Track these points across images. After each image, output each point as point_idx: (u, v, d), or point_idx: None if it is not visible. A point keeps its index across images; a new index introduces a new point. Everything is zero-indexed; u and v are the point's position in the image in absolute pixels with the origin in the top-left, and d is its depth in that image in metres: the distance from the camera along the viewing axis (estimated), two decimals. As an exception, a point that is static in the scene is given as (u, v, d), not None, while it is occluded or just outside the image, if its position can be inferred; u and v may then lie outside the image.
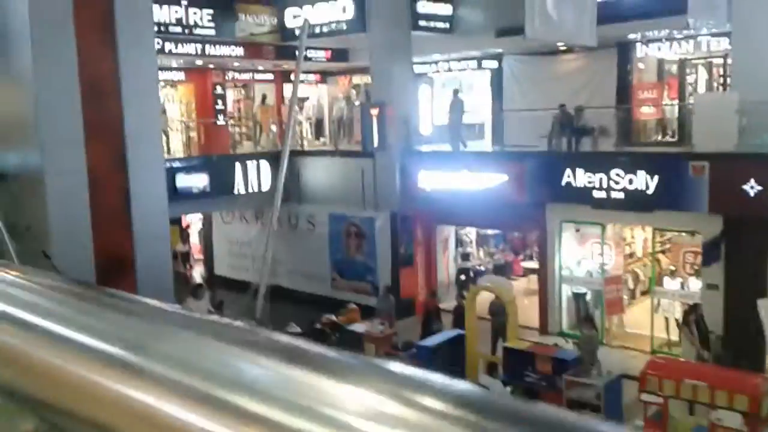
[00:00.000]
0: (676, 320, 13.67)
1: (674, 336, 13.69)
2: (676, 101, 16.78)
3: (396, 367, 0.75)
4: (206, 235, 22.63)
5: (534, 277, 16.41)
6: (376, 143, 17.01)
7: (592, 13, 12.55)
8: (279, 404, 0.70)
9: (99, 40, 13.62)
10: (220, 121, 21.51)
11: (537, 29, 10.30)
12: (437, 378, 0.74)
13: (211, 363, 0.81)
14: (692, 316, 11.71)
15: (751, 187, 11.57)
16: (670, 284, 13.90)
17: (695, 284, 13.36)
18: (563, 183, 13.94)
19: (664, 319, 13.85)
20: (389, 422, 0.63)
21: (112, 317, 1.07)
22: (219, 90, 21.85)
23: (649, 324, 13.86)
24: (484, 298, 13.75)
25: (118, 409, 0.85)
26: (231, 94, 23.12)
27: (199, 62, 20.12)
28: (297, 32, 17.92)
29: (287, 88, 22.36)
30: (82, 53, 13.29)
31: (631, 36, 16.53)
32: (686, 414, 9.20)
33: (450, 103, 17.31)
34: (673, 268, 14.41)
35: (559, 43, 15.98)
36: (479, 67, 20.75)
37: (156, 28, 15.56)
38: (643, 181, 12.89)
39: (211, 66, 20.99)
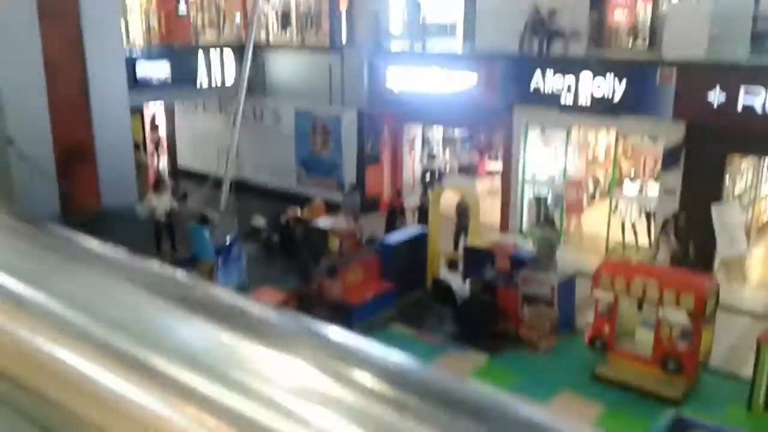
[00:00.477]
0: (633, 224, 14.16)
1: (629, 238, 14.22)
2: (650, 7, 16.59)
3: (337, 335, 0.71)
4: (169, 126, 22.16)
5: (498, 178, 16.64)
6: (344, 39, 16.58)
7: None
8: (196, 367, 0.64)
9: None
10: (182, 8, 20.54)
11: None
12: (376, 351, 0.70)
13: (122, 312, 0.73)
14: (671, 224, 11.94)
15: (716, 96, 11.71)
16: (629, 188, 14.25)
17: (653, 188, 13.72)
18: (532, 86, 13.90)
19: (620, 221, 14.29)
20: (318, 399, 0.61)
21: (22, 245, 0.94)
22: (180, -25, 20.73)
23: (606, 226, 14.31)
24: (447, 198, 13.95)
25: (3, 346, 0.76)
26: (193, -20, 21.97)
27: (158, -57, 18.99)
28: None
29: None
30: None
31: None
32: (634, 309, 9.68)
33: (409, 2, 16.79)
34: (633, 172, 14.74)
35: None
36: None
37: None
38: (611, 85, 12.93)
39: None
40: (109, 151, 14.51)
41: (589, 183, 16.10)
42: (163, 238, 11.81)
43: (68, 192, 13.33)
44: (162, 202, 12.01)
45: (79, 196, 14.00)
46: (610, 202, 14.46)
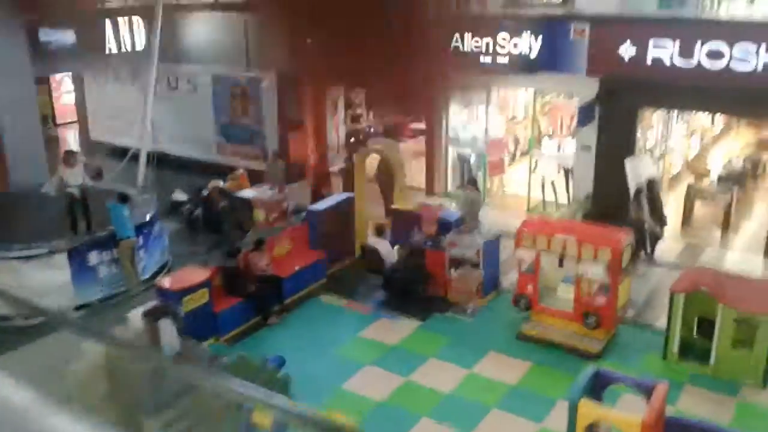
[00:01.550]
0: (552, 182, 14.51)
1: (549, 196, 14.58)
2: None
3: None
4: (78, 96, 21.03)
5: (423, 139, 16.65)
6: (259, -3, 15.98)
7: None
8: None
9: None
10: (83, -32, 19.27)
11: None
12: None
13: None
14: (644, 193, 12.15)
15: (626, 50, 11.98)
16: (548, 146, 14.55)
17: (571, 146, 14.05)
18: (451, 47, 13.82)
19: (540, 179, 14.62)
20: None
21: None
22: (78, -69, 19.38)
23: (527, 185, 14.62)
24: (374, 161, 13.90)
25: None
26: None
27: None
28: None
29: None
30: None
31: None
32: (556, 266, 9.99)
33: None
34: (551, 130, 15.03)
35: None
36: None
37: None
38: (527, 44, 13.02)
39: None
40: (15, 127, 13.71)
41: (510, 142, 16.34)
42: (78, 217, 11.29)
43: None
44: (74, 177, 11.41)
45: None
46: (530, 160, 14.75)
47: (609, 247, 9.03)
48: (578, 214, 12.89)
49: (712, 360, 8.59)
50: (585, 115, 12.98)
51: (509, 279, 10.90)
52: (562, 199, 14.43)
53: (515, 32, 13.08)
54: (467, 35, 13.54)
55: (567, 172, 14.30)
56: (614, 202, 12.34)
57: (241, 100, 17.13)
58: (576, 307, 9.41)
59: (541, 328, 9.63)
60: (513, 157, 16.61)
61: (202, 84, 17.63)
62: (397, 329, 9.98)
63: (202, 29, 17.70)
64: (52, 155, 15.90)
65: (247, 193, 14.14)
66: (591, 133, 13.05)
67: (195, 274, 9.73)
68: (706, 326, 8.69)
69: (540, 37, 12.89)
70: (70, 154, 11.77)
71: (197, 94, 17.79)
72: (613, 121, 12.77)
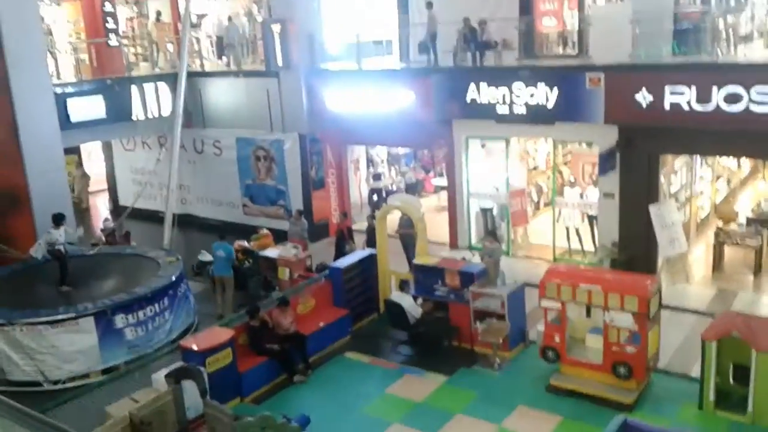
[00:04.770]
0: (576, 230, 14.39)
1: (575, 244, 14.44)
2: (576, 12, 16.97)
3: None
4: (108, 163, 21.62)
5: (445, 194, 16.73)
6: (280, 62, 16.47)
7: None
8: None
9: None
10: (113, 41, 20.13)
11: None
12: None
13: None
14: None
15: (644, 97, 12.01)
16: (571, 195, 14.49)
17: (593, 194, 13.98)
18: (468, 99, 14.03)
19: (565, 228, 14.51)
20: None
21: None
22: (108, 7, 20.31)
23: (551, 234, 14.51)
24: (395, 217, 13.96)
25: None
26: (123, 12, 21.61)
27: (83, -23, 18.58)
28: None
29: (183, 4, 21.08)
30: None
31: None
32: (583, 316, 9.80)
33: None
34: (573, 179, 14.99)
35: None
36: (384, -21, 20.13)
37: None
38: (544, 94, 13.14)
39: (98, -19, 19.42)
40: (46, 197, 14.05)
41: (533, 192, 16.32)
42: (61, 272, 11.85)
43: (4, 252, 12.99)
44: (60, 235, 11.89)
45: (15, 243, 13.50)
46: (553, 209, 14.68)
47: (636, 295, 8.85)
48: (605, 261, 12.72)
49: (750, 408, 8.25)
50: (606, 162, 12.95)
51: (536, 330, 10.70)
52: (588, 247, 14.28)
53: (531, 83, 13.22)
54: (483, 85, 13.72)
55: (591, 220, 14.19)
56: (641, 249, 12.16)
57: (264, 161, 17.45)
58: (606, 358, 9.16)
59: (570, 380, 9.38)
60: (536, 207, 16.56)
61: (226, 147, 18.03)
62: (424, 385, 9.80)
63: (226, 94, 18.22)
64: (80, 222, 16.29)
65: (272, 251, 14.24)
66: (613, 180, 12.99)
67: (219, 334, 9.74)
68: (742, 373, 8.39)
69: (556, 87, 13.00)
70: (58, 214, 12.21)
71: (222, 156, 18.18)
72: (634, 168, 12.71)
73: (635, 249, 12.30)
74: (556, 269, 10.15)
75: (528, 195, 15.63)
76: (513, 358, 10.40)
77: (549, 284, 9.40)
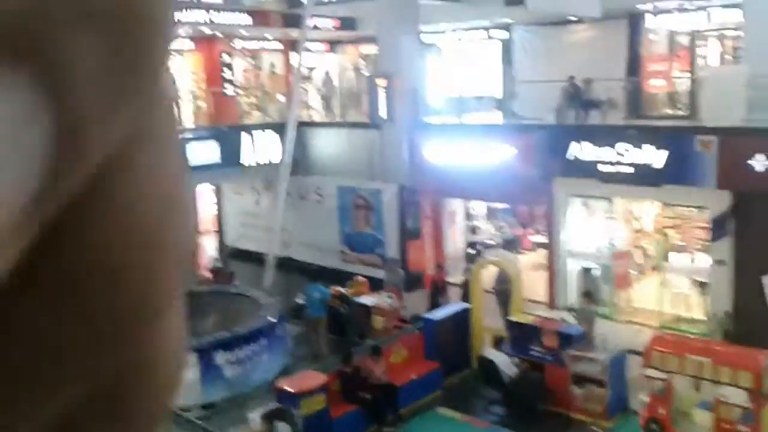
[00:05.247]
0: (685, 298, 13.73)
1: (682, 311, 13.77)
2: (687, 74, 16.60)
3: None
4: (218, 206, 22.75)
5: (542, 251, 16.45)
6: (384, 115, 16.97)
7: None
8: None
9: None
10: (229, 90, 21.44)
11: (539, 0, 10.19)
12: None
13: None
14: None
15: (758, 162, 11.49)
16: (678, 260, 13.90)
17: (703, 260, 13.36)
18: (571, 156, 13.89)
19: (671, 294, 13.88)
20: None
21: None
22: (227, 59, 21.73)
23: (656, 299, 13.92)
24: (491, 272, 13.85)
25: None
26: (239, 64, 23.01)
27: (206, 30, 19.99)
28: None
29: (296, 58, 22.23)
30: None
31: (642, 6, 16.29)
32: (691, 390, 9.29)
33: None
34: (681, 243, 14.40)
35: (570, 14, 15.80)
36: (489, 37, 20.51)
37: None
38: (651, 155, 12.82)
39: (219, 34, 20.85)
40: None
41: (637, 255, 15.73)
42: None
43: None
44: None
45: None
46: (660, 274, 14.10)
47: (750, 370, 8.33)
48: (716, 333, 12.04)
49: None
50: (718, 228, 12.40)
51: (638, 400, 10.21)
52: (697, 315, 13.57)
53: (637, 143, 12.95)
54: (586, 143, 13.56)
55: (701, 288, 13.52)
56: (756, 321, 11.46)
57: (363, 210, 17.84)
58: (715, 436, 8.62)
59: (675, 457, 8.87)
60: (641, 271, 15.92)
61: (328, 194, 18.60)
62: (516, 448, 9.54)
63: (330, 144, 18.90)
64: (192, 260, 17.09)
65: (367, 299, 14.41)
66: (726, 247, 12.39)
67: (313, 378, 9.92)
68: None
69: (663, 149, 12.66)
70: None
71: (324, 203, 18.75)
72: (749, 236, 12.08)
73: (752, 322, 11.59)
74: (662, 338, 9.73)
75: (632, 257, 15.10)
76: (612, 427, 9.96)
77: (654, 353, 9.03)
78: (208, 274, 16.32)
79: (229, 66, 21.81)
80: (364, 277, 15.95)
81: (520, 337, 11.26)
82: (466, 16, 18.98)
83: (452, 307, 12.64)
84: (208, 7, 18.31)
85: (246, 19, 19.51)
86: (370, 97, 17.52)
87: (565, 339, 10.66)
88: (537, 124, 15.12)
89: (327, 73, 22.71)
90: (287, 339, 12.95)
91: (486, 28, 20.25)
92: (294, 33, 20.99)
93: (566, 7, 12.91)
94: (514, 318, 11.72)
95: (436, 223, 17.73)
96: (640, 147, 12.96)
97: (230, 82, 21.65)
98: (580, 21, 17.38)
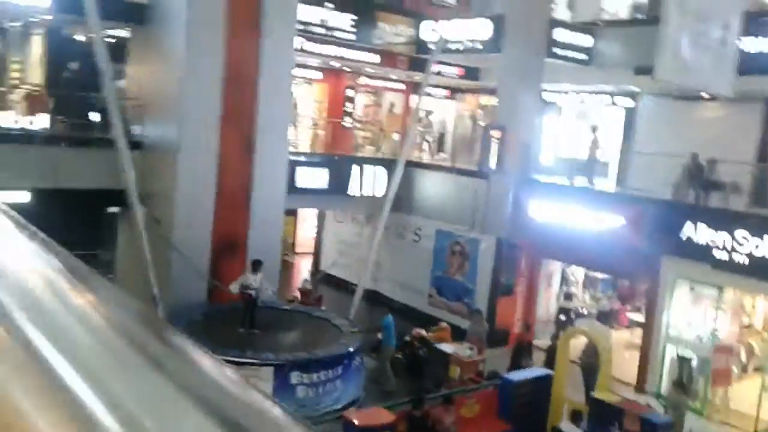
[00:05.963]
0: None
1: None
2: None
3: None
4: (318, 230, 23.35)
5: (638, 331, 15.66)
6: (493, 165, 16.91)
7: (732, 63, 11.89)
8: None
9: (246, 32, 14.50)
10: (347, 122, 22.11)
11: (668, 70, 9.90)
12: None
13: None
14: None
15: None
16: (788, 363, 12.82)
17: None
18: (683, 236, 13.23)
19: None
20: None
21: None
22: (350, 93, 22.48)
23: (756, 403, 12.84)
24: (580, 343, 13.31)
25: None
26: (361, 98, 23.75)
27: (335, 64, 20.81)
28: (431, 46, 18.21)
29: (416, 99, 22.67)
30: (230, 42, 14.21)
31: (780, 92, 15.44)
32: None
33: (591, 140, 16.95)
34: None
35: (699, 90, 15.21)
36: (612, 103, 20.08)
37: (299, 27, 16.30)
38: (773, 248, 12.00)
39: (347, 69, 21.63)
40: (259, 248, 15.42)
41: (742, 351, 14.64)
42: (247, 315, 12.56)
43: (215, 286, 14.26)
44: (255, 281, 12.72)
45: (222, 290, 14.86)
46: (763, 377, 13.03)
47: None
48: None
49: None
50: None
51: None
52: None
53: (758, 232, 12.17)
54: (702, 225, 12.87)
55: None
56: None
57: (458, 257, 17.73)
58: None
59: None
60: (744, 369, 14.78)
61: (425, 236, 18.64)
62: None
63: (435, 186, 19.00)
64: (285, 278, 17.59)
65: (447, 347, 14.22)
66: None
67: (381, 415, 9.83)
68: None
69: (789, 244, 11.82)
70: (256, 261, 13.02)
71: (420, 244, 18.80)
72: None
73: None
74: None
75: (736, 354, 14.07)
76: None
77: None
78: (298, 294, 16.67)
79: (352, 99, 22.54)
80: (449, 324, 15.78)
81: (601, 415, 10.69)
82: (592, 80, 18.71)
83: (534, 371, 12.24)
84: (341, 44, 19.06)
85: (375, 58, 20.15)
86: (482, 146, 17.54)
87: (649, 426, 10.01)
88: (651, 197, 14.54)
89: (444, 118, 22.99)
90: (362, 371, 12.94)
91: (611, 94, 19.84)
92: (417, 76, 21.51)
93: (697, 82, 12.41)
94: (597, 394, 11.16)
95: (530, 282, 17.32)
96: (761, 237, 12.17)
97: (350, 114, 22.35)
98: (711, 98, 16.70)
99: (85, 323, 1.06)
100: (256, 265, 12.93)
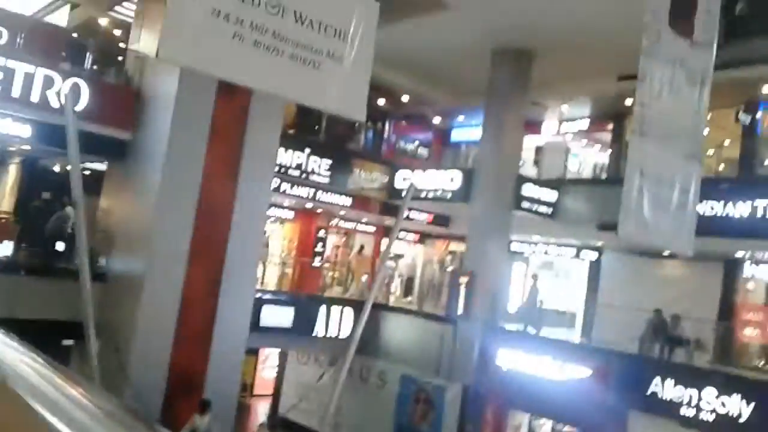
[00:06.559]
0: None
1: None
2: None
3: None
4: (279, 371, 22.60)
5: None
6: (460, 311, 16.92)
7: (691, 225, 12.43)
8: None
9: (224, 171, 14.83)
10: (317, 262, 22.21)
11: (630, 231, 10.29)
12: None
13: None
14: None
15: None
16: None
17: None
18: (649, 391, 13.12)
19: None
20: None
21: None
22: (321, 233, 22.80)
23: None
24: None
25: None
26: (332, 239, 24.04)
27: (309, 205, 21.24)
28: (403, 193, 18.79)
29: (386, 243, 22.99)
30: (206, 181, 14.48)
31: (740, 254, 16.05)
32: None
33: (530, 287, 17.24)
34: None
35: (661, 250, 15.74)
36: (577, 256, 20.63)
37: (276, 169, 16.75)
38: (737, 406, 11.91)
39: (319, 210, 22.07)
40: (217, 389, 14.77)
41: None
42: None
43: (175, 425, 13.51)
44: (203, 423, 12.03)
45: (175, 425, 14.06)
46: None
47: None
48: None
49: None
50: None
51: None
52: None
53: (725, 391, 12.12)
54: (669, 381, 12.80)
55: None
56: None
57: (423, 404, 17.19)
58: None
59: None
60: None
61: (390, 381, 18.15)
62: None
63: (402, 331, 18.80)
64: (240, 422, 16.73)
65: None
66: None
67: None
68: None
69: (753, 401, 11.77)
70: (205, 402, 12.45)
71: (384, 389, 18.25)
72: None
73: None
74: None
75: None
76: None
77: None
78: (254, 440, 15.80)
79: (323, 240, 22.82)
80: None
81: None
82: (559, 233, 19.31)
83: None
84: (316, 186, 19.57)
85: (347, 201, 20.66)
86: (449, 292, 17.64)
87: None
88: (618, 351, 14.55)
89: (413, 262, 23.25)
90: None
91: (577, 247, 20.43)
92: (388, 221, 22.01)
93: (659, 243, 12.92)
94: None
95: (496, 433, 16.77)
96: (726, 395, 12.11)
97: (320, 255, 22.51)
98: (674, 256, 17.25)
99: None
100: (205, 407, 12.35)
